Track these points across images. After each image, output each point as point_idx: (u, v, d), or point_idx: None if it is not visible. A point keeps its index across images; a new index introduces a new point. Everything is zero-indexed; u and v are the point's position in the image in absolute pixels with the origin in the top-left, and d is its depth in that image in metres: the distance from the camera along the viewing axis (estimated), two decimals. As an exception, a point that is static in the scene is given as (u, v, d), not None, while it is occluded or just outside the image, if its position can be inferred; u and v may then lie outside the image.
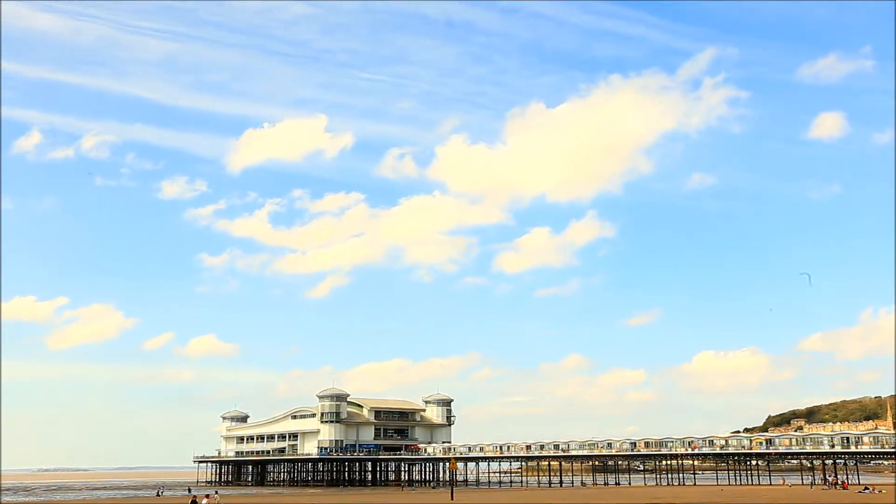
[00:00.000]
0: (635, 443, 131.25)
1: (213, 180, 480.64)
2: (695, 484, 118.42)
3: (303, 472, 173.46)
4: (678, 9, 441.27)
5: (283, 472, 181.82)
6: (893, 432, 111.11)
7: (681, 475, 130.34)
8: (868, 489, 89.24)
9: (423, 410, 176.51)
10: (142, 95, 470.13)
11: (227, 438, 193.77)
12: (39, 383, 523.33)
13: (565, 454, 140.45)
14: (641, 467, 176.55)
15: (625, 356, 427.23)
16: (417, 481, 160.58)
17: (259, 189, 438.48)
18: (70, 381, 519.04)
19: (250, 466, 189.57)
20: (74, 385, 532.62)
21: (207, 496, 75.68)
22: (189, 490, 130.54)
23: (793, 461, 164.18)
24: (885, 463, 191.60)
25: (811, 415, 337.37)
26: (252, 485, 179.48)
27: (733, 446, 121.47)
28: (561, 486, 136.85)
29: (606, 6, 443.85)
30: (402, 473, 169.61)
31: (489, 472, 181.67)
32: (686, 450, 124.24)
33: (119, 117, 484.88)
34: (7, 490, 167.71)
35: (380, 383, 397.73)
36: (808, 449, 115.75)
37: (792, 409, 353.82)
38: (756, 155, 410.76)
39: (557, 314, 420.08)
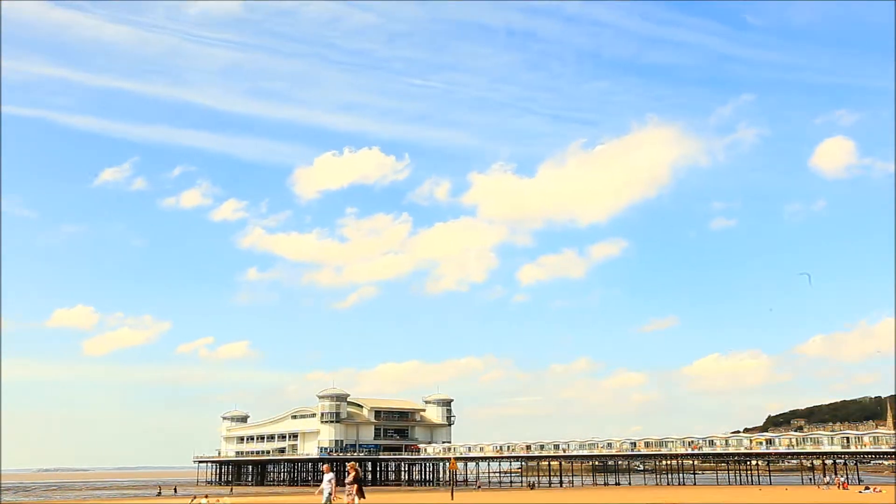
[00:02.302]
0: (635, 443, 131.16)
1: (271, 201, 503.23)
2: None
3: (303, 472, 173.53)
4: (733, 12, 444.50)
5: (283, 472, 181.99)
6: (893, 432, 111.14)
7: (681, 475, 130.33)
8: (868, 489, 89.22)
9: (424, 410, 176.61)
10: (202, 103, 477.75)
11: (227, 438, 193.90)
12: (47, 384, 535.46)
13: (565, 454, 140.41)
14: (641, 467, 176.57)
15: (632, 359, 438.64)
16: (417, 481, 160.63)
17: (312, 211, 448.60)
18: (78, 382, 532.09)
19: (250, 466, 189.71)
20: (81, 386, 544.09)
21: (206, 496, 75.85)
22: (175, 490, 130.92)
23: (793, 461, 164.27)
24: (885, 463, 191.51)
25: (811, 415, 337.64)
26: (252, 485, 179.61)
27: (733, 446, 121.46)
28: (561, 486, 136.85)
29: (667, 13, 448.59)
30: (403, 473, 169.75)
31: (489, 472, 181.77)
32: (686, 450, 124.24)
33: (185, 125, 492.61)
34: (7, 490, 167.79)
35: (395, 384, 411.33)
36: (808, 449, 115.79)
37: (792, 409, 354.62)
38: (769, 180, 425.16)
39: (573, 321, 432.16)
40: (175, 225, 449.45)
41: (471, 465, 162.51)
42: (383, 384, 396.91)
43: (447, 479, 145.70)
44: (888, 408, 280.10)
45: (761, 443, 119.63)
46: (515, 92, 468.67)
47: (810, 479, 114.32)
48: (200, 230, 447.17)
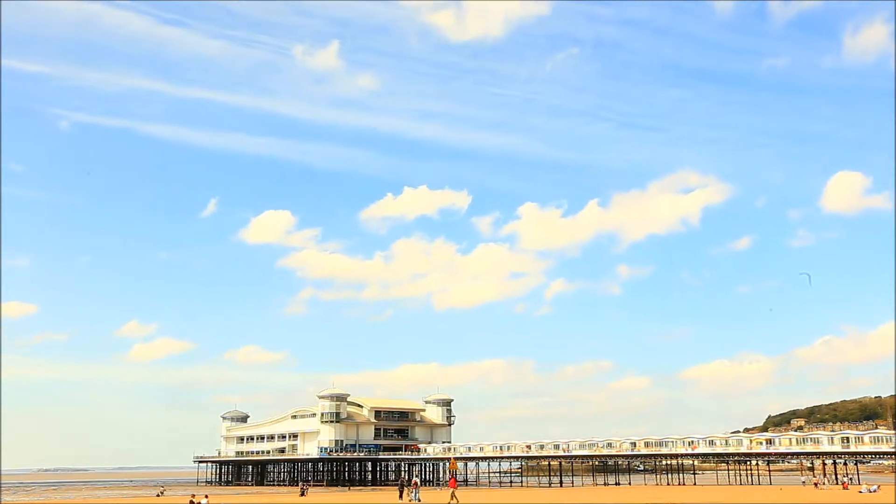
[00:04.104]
0: (635, 443, 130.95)
1: (317, 218, 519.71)
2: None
3: (303, 472, 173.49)
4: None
5: (283, 472, 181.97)
6: (893, 432, 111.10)
7: (681, 475, 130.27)
8: (869, 489, 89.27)
9: (423, 410, 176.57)
10: (283, 113, 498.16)
11: (227, 438, 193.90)
12: (50, 385, 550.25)
13: (565, 454, 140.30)
14: (641, 467, 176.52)
15: (638, 363, 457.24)
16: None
17: (369, 237, 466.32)
18: (87, 384, 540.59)
19: (250, 466, 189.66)
20: (88, 387, 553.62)
21: (207, 497, 75.90)
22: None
23: (793, 461, 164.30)
24: (885, 463, 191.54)
25: (811, 415, 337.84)
26: (252, 485, 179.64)
27: (733, 446, 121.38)
28: (561, 485, 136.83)
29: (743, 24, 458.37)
30: (403, 473, 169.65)
31: (489, 472, 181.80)
32: (686, 450, 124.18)
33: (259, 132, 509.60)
34: (7, 490, 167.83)
35: (414, 385, 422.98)
36: (808, 449, 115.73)
37: (792, 409, 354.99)
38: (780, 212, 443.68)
39: (590, 329, 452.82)
40: (215, 242, 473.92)
41: (471, 465, 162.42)
42: (404, 385, 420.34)
43: (447, 478, 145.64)
44: (888, 408, 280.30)
45: (761, 443, 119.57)
46: (591, 100, 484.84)
47: (810, 479, 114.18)
48: (242, 247, 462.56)
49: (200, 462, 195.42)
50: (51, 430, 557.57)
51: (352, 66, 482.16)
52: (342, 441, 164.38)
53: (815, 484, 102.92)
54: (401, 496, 75.99)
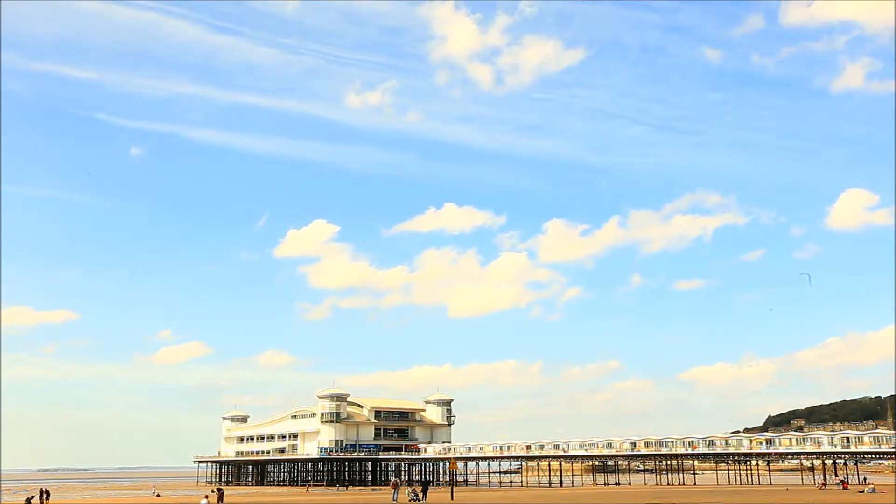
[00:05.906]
0: (635, 443, 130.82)
1: (366, 237, 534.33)
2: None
3: (303, 472, 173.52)
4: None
5: (283, 472, 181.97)
6: (893, 432, 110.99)
7: (681, 475, 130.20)
8: (867, 489, 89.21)
9: (423, 410, 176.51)
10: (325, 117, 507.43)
11: (227, 439, 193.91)
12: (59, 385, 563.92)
13: (565, 454, 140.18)
14: (641, 467, 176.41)
15: (640, 365, 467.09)
16: (417, 481, 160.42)
17: (401, 249, 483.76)
18: (102, 384, 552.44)
19: (250, 466, 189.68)
20: (101, 388, 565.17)
21: (206, 497, 75.77)
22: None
23: (793, 461, 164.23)
24: (886, 463, 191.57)
25: (811, 415, 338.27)
26: (252, 484, 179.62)
27: (733, 446, 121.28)
28: (561, 485, 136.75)
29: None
30: (403, 473, 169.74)
31: (489, 472, 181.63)
32: (686, 450, 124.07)
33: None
34: (7, 490, 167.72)
35: (421, 386, 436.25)
36: (808, 449, 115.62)
37: (792, 409, 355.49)
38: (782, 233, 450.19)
39: (597, 332, 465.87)
40: (248, 258, 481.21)
41: (471, 465, 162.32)
42: (414, 387, 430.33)
43: (447, 479, 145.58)
44: (888, 408, 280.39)
45: (761, 443, 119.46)
46: (633, 104, 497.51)
47: (811, 479, 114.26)
48: (275, 257, 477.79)
49: (200, 462, 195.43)
50: (51, 430, 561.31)
51: (399, 103, 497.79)
52: (342, 441, 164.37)
53: (822, 485, 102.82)
54: (395, 497, 76.32)
